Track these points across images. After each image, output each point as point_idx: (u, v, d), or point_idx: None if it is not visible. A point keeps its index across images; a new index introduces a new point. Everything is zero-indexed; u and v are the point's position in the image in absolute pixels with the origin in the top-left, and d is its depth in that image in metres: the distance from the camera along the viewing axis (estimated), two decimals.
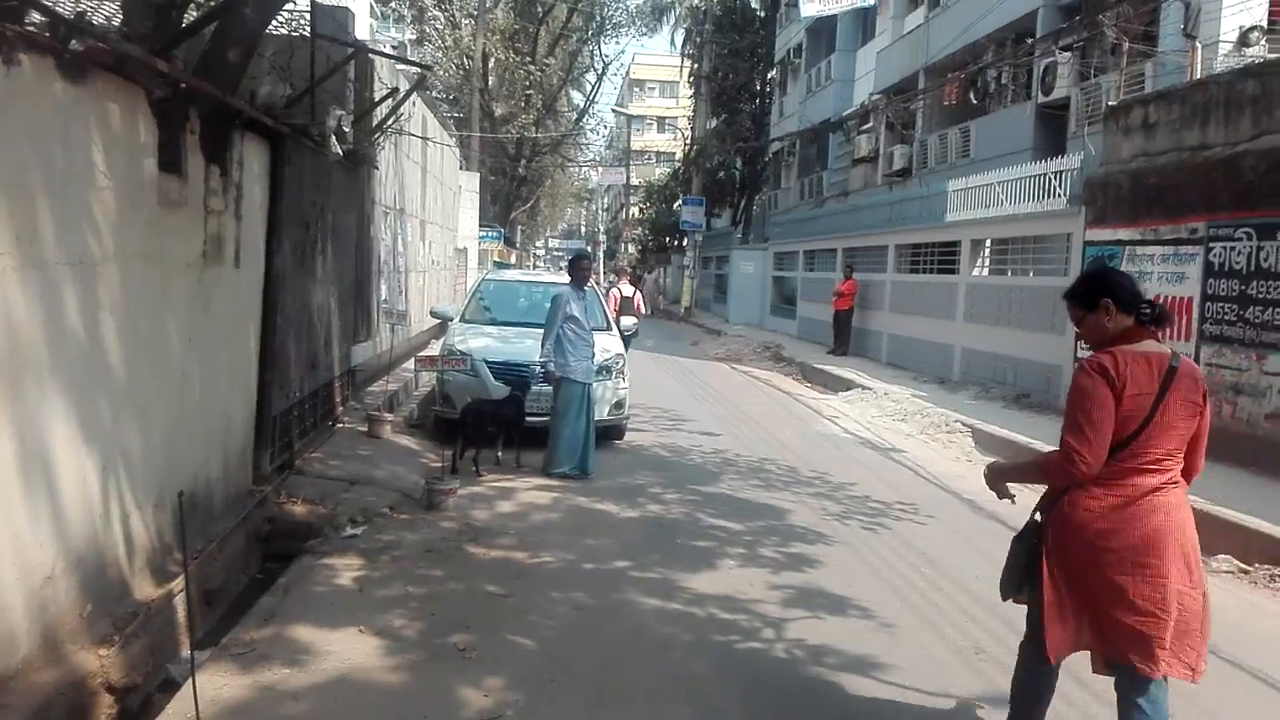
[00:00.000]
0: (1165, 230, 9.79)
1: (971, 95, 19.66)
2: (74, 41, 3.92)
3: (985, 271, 14.89)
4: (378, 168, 10.80)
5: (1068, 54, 16.04)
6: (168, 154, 4.84)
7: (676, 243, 40.45)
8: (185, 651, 4.42)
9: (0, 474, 3.38)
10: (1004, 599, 3.57)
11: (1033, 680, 3.43)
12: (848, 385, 14.59)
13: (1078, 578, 3.19)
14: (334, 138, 7.95)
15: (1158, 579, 3.08)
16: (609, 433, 9.44)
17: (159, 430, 4.79)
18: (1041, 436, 9.57)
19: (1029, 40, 17.48)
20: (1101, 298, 3.22)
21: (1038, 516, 3.39)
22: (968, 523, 7.24)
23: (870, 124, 24.27)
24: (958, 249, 15.18)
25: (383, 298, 11.64)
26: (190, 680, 3.44)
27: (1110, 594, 3.12)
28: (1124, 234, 10.48)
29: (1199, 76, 11.48)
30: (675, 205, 40.51)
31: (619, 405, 9.51)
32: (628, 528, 6.65)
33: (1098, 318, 3.23)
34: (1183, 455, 3.19)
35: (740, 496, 7.70)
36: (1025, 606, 3.46)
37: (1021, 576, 3.42)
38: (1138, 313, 3.20)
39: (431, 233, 16.40)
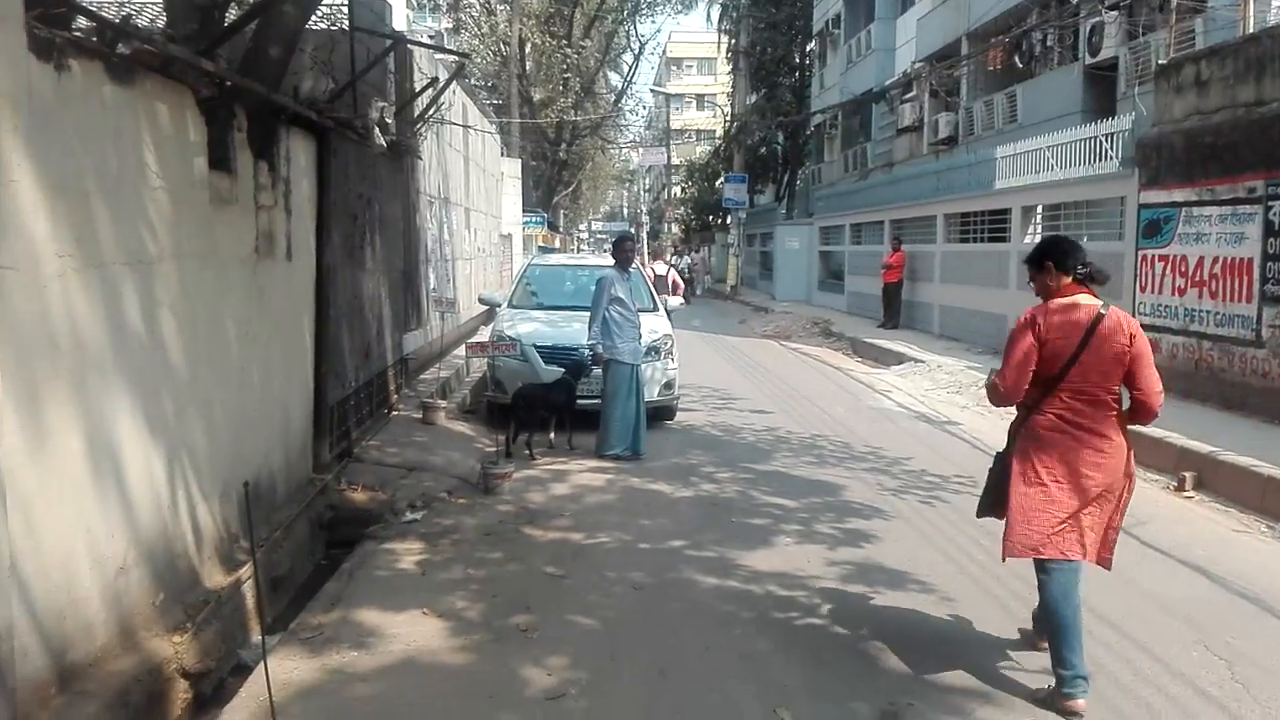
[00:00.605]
0: (1222, 190, 9.50)
1: (1016, 59, 19.20)
2: (121, 45, 3.99)
3: (1037, 238, 14.59)
4: (421, 157, 10.88)
5: (1115, 13, 15.59)
6: (217, 152, 4.91)
7: (720, 221, 40.21)
8: (255, 637, 4.54)
9: (71, 469, 3.48)
10: (977, 516, 4.47)
11: (1050, 588, 3.92)
12: (899, 359, 14.44)
13: (1029, 486, 3.90)
14: (377, 129, 8.02)
15: (1090, 487, 3.83)
16: (660, 413, 9.45)
17: (221, 423, 4.89)
18: None
19: (1074, 0, 17.04)
20: (1044, 260, 3.95)
21: (1001, 449, 4.18)
22: None
23: (913, 93, 23.85)
24: (1008, 216, 14.91)
25: (431, 286, 11.75)
26: (262, 664, 3.53)
27: (1053, 496, 3.85)
28: (1179, 195, 10.19)
29: (1252, 31, 11.08)
30: (717, 183, 40.23)
31: (669, 386, 9.51)
32: (682, 507, 6.67)
33: (1043, 278, 3.96)
34: (1116, 387, 3.84)
35: (794, 474, 7.67)
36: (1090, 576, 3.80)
37: (993, 499, 4.20)
38: (1074, 273, 3.88)
39: (476, 220, 16.51)
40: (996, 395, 4.00)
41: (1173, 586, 5.24)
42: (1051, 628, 3.88)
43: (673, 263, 30.18)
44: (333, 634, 4.29)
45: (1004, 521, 4.01)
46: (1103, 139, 12.53)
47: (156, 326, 4.19)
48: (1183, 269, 10.12)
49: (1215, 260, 9.58)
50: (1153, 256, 10.66)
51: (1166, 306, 10.35)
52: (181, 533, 4.38)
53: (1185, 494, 7.20)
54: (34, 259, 3.25)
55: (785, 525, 6.22)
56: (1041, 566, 3.93)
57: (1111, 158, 12.27)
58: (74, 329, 3.50)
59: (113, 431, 3.78)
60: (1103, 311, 3.82)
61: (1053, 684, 3.82)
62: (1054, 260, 3.92)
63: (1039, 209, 14.53)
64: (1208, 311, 9.66)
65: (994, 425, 9.83)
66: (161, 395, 4.22)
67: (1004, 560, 4.07)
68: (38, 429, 3.25)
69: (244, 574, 4.72)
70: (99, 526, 3.66)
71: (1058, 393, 3.85)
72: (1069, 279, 3.90)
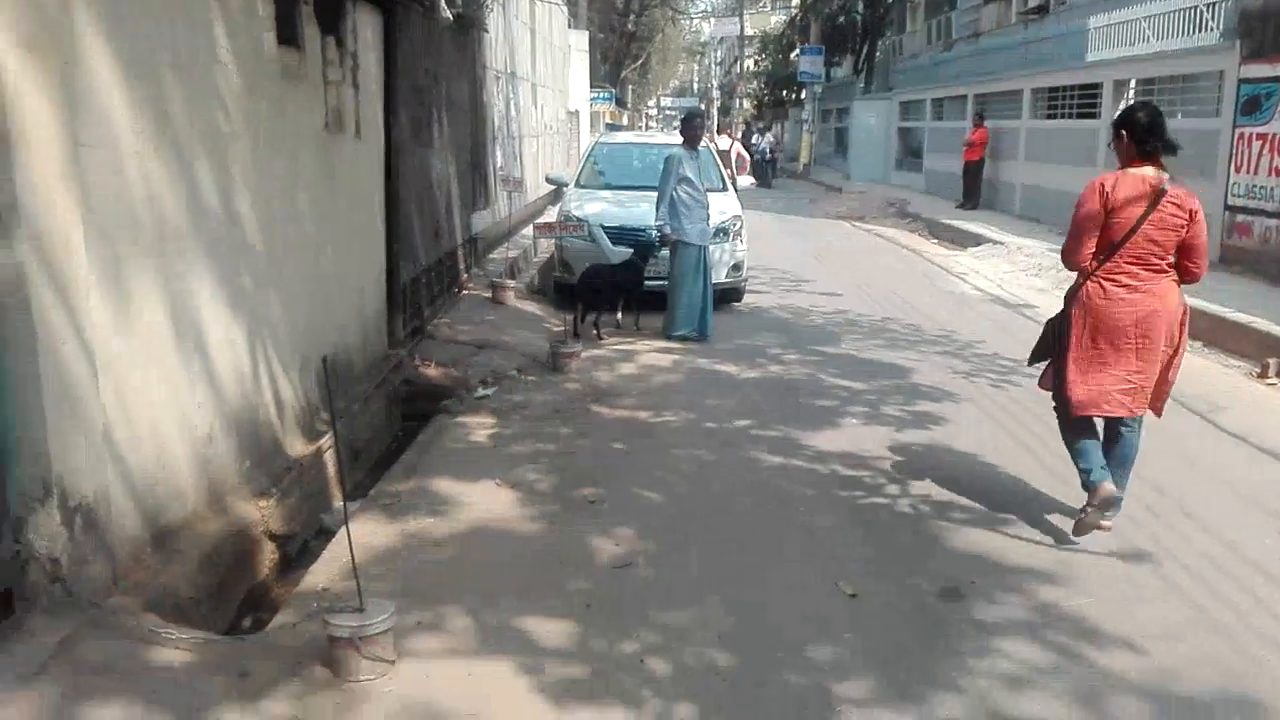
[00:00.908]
0: None
1: None
2: None
3: None
4: (487, 31, 10.68)
5: None
6: (285, 27, 4.88)
7: (794, 96, 38.93)
8: (337, 502, 4.76)
9: (156, 342, 3.62)
10: (1029, 364, 4.70)
11: (1075, 434, 4.30)
12: (977, 240, 14.05)
13: (1081, 345, 4.16)
14: (443, 2, 7.86)
15: (1143, 346, 4.09)
16: (728, 295, 9.40)
17: (298, 298, 5.02)
18: (1185, 289, 9.03)
19: None
20: (1120, 129, 4.13)
21: (1063, 306, 4.35)
22: None
23: None
24: (1099, 91, 14.12)
25: (499, 165, 11.70)
26: (344, 528, 3.71)
27: (1104, 357, 4.12)
28: None
29: None
30: (792, 55, 38.77)
31: (737, 267, 9.43)
32: (748, 388, 6.69)
33: (1119, 144, 4.15)
34: (1171, 257, 4.08)
35: (863, 356, 7.61)
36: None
37: (1046, 350, 4.46)
38: (1145, 145, 4.05)
39: (543, 96, 16.26)
40: (1063, 258, 4.33)
41: (1250, 472, 5.14)
42: (1074, 457, 4.30)
43: (753, 141, 28.79)
44: (409, 501, 4.47)
45: (1053, 371, 4.37)
46: (1204, 9, 11.72)
47: (232, 203, 4.26)
48: None
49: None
50: (1250, 135, 10.07)
51: (1261, 188, 9.83)
52: (264, 403, 4.56)
53: (1269, 381, 6.97)
54: (112, 136, 3.31)
55: (852, 407, 6.22)
56: (1074, 425, 4.28)
57: (1213, 28, 11.48)
58: (153, 206, 3.58)
59: (194, 306, 3.91)
60: (1166, 187, 4.01)
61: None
62: (1129, 130, 4.09)
63: (1132, 83, 13.73)
64: None
65: None
66: (240, 270, 4.33)
67: (1072, 415, 4.25)
68: (123, 303, 3.37)
69: (324, 443, 4.92)
70: (186, 397, 3.82)
71: (1117, 257, 4.08)
72: (1140, 149, 4.08)
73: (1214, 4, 11.52)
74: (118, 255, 3.33)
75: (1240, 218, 10.20)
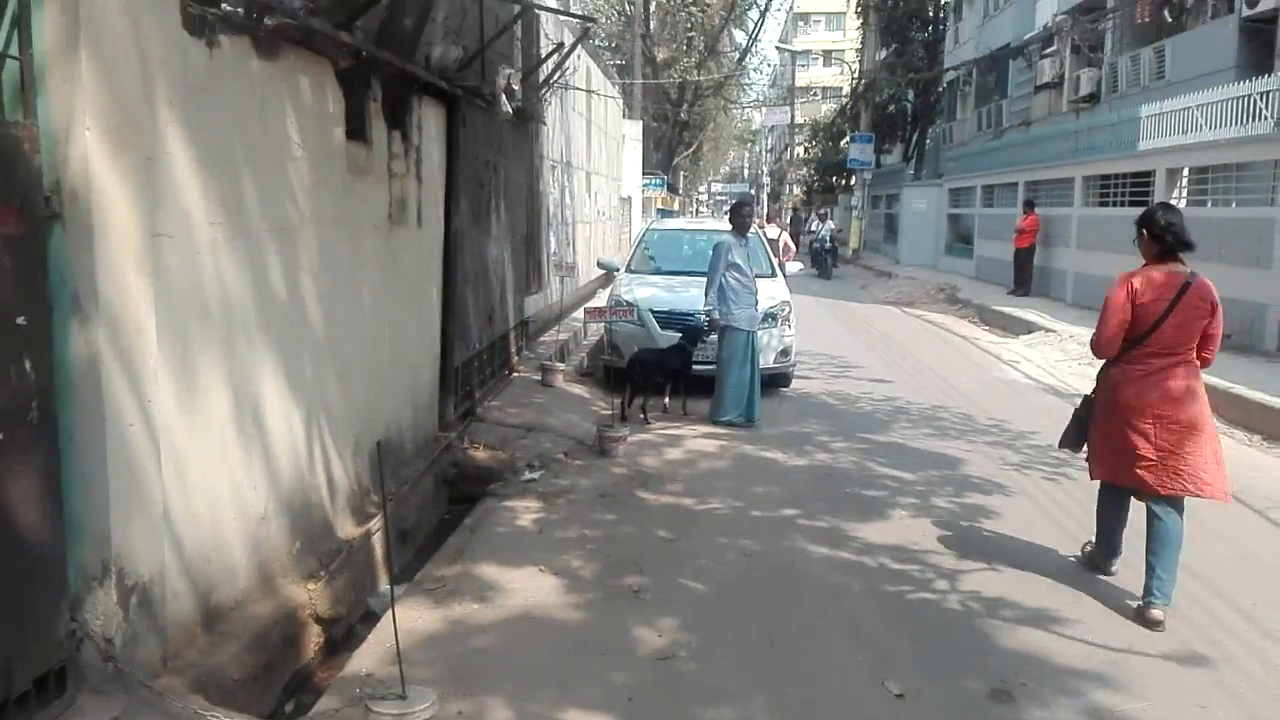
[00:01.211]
0: None
1: (1166, 12, 18.05)
2: (266, 19, 4.19)
3: (1183, 203, 13.77)
4: (545, 123, 11.03)
5: None
6: (354, 122, 5.12)
7: (844, 182, 39.34)
8: (384, 586, 4.80)
9: (218, 424, 3.74)
10: (1059, 447, 5.08)
11: (1106, 505, 4.72)
12: (1029, 328, 13.94)
13: (1116, 425, 4.45)
14: (504, 96, 8.16)
15: (1165, 431, 4.32)
16: (775, 380, 9.42)
17: (355, 381, 5.15)
18: (1241, 381, 8.88)
19: None
20: (1141, 228, 4.46)
21: (1089, 392, 4.75)
22: None
23: (1054, 47, 22.71)
24: (1151, 179, 14.09)
25: (552, 250, 11.95)
26: (390, 612, 3.74)
27: (1130, 438, 4.38)
28: None
29: None
30: (842, 143, 39.28)
31: (785, 353, 9.46)
32: (795, 476, 6.66)
33: (1142, 242, 4.48)
34: (1194, 346, 4.36)
35: (912, 445, 7.55)
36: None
37: (1076, 435, 4.80)
38: (1163, 242, 4.35)
39: (596, 183, 16.65)
40: (1095, 348, 4.56)
41: None
42: (1148, 543, 4.42)
43: (812, 228, 27.34)
44: (455, 586, 4.50)
45: (1088, 455, 4.73)
46: (1257, 97, 11.70)
47: (297, 290, 4.43)
48: None
49: None
50: None
51: None
52: (317, 485, 4.66)
53: None
54: (188, 227, 3.49)
55: (901, 498, 6.15)
56: (1106, 494, 4.69)
57: (1266, 118, 11.45)
58: (223, 293, 3.75)
59: (256, 390, 4.04)
60: (1190, 280, 4.32)
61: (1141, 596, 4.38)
62: (1147, 229, 4.43)
63: (1185, 171, 13.70)
64: None
65: None
66: (301, 356, 4.47)
67: (1091, 479, 4.76)
68: (189, 387, 3.50)
69: (374, 526, 4.99)
70: (243, 478, 3.93)
71: (1144, 346, 4.38)
72: (1159, 247, 4.40)
73: (1267, 93, 11.51)
74: (186, 340, 3.48)
75: None
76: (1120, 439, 4.43)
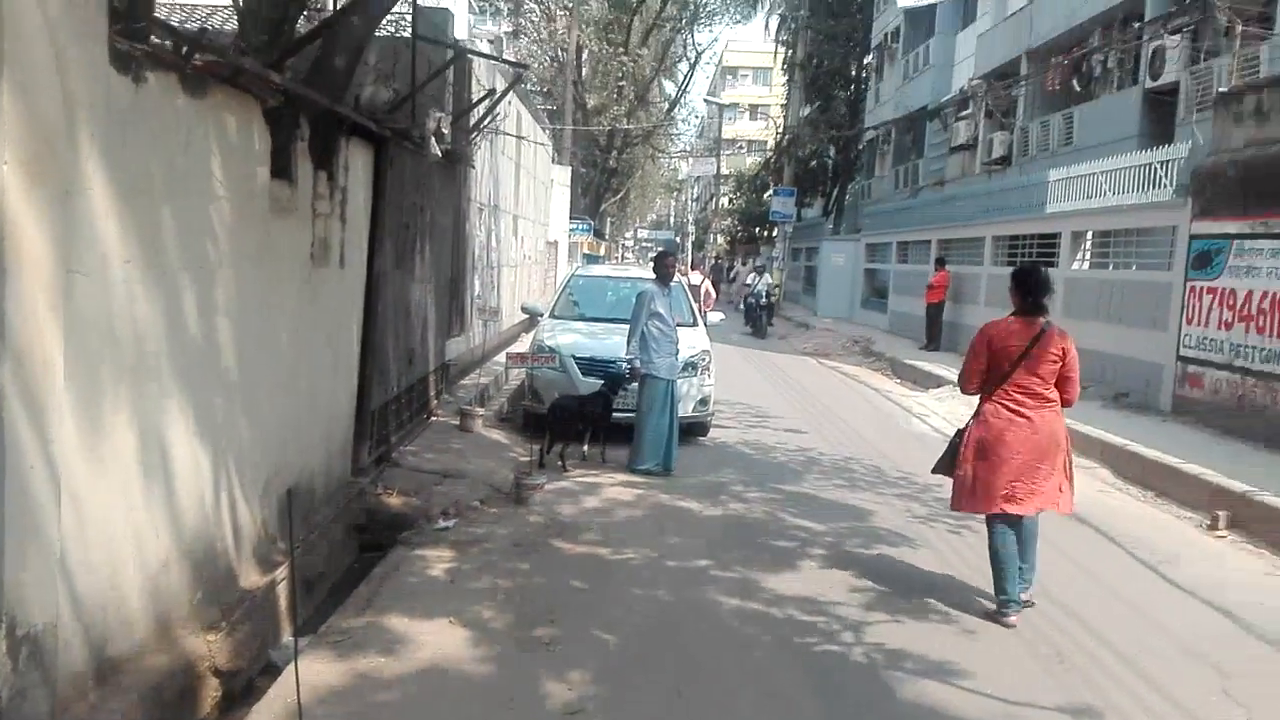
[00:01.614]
0: (1276, 224, 9.37)
1: (1075, 81, 19.01)
2: (196, 57, 4.16)
3: (1086, 265, 14.44)
4: (474, 166, 11.08)
5: (1177, 37, 15.39)
6: (279, 161, 5.09)
7: (766, 233, 40.14)
8: (287, 637, 4.70)
9: (123, 467, 3.65)
10: (933, 473, 5.68)
11: (997, 536, 5.17)
12: (938, 381, 14.36)
13: (979, 456, 5.13)
14: (433, 139, 8.20)
15: (1027, 458, 5.04)
16: (694, 429, 9.53)
17: (268, 424, 5.07)
18: (1138, 438, 9.29)
19: (1137, 23, 16.83)
20: (1013, 282, 5.21)
21: (963, 425, 5.39)
22: (1056, 527, 7.06)
23: (969, 110, 23.69)
24: (1058, 241, 14.76)
25: (476, 293, 11.94)
26: (292, 665, 3.67)
27: (998, 467, 5.06)
28: (1232, 227, 10.06)
29: None
30: (765, 195, 40.15)
31: (704, 402, 9.58)
32: (710, 526, 6.74)
33: (1012, 294, 5.19)
34: (1052, 386, 5.06)
35: (824, 496, 7.70)
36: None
37: (949, 463, 5.38)
38: (1027, 298, 5.11)
39: (524, 227, 16.71)
40: (960, 383, 5.39)
41: (1198, 628, 5.20)
42: (993, 566, 5.16)
43: (748, 281, 24.43)
44: (361, 639, 4.43)
45: (953, 483, 5.33)
46: (1158, 166, 12.38)
47: (212, 330, 4.36)
48: (1231, 302, 9.99)
49: (1265, 295, 9.44)
50: (1201, 288, 10.52)
51: (1212, 340, 10.21)
52: (222, 531, 4.55)
53: (1218, 533, 7.11)
54: (104, 263, 3.42)
55: (811, 549, 6.27)
56: (989, 521, 5.19)
57: (1165, 186, 12.11)
58: (135, 331, 3.68)
59: (165, 431, 3.96)
60: (1045, 329, 5.05)
61: (993, 608, 5.13)
62: (1017, 284, 5.18)
63: (1089, 235, 14.38)
64: (1254, 347, 9.52)
65: None
66: (213, 396, 4.40)
67: (951, 509, 5.53)
68: (95, 427, 3.42)
69: (279, 575, 4.88)
70: (145, 523, 3.83)
71: (1005, 387, 5.08)
72: (1024, 301, 5.13)
73: (1167, 162, 12.16)
74: (95, 378, 3.40)
75: (1192, 369, 10.56)
76: (989, 465, 5.09)
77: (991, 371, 5.13)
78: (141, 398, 3.75)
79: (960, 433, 5.38)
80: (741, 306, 24.88)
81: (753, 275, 24.72)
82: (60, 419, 3.18)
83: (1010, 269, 5.78)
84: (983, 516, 5.32)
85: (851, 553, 6.21)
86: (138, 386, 3.72)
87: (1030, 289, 5.12)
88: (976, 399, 5.31)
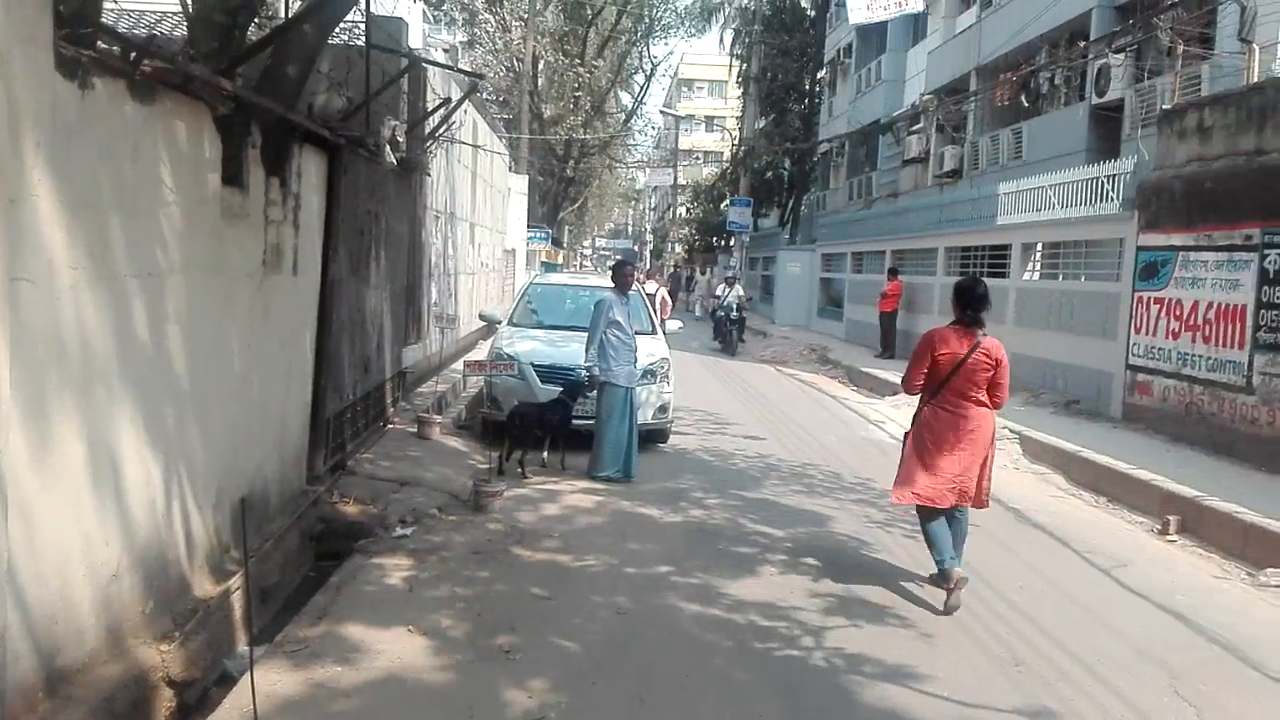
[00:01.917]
0: (1219, 236, 9.63)
1: (1024, 97, 19.42)
2: (145, 63, 4.10)
3: (1036, 275, 14.72)
4: (430, 174, 11.01)
5: (1121, 55, 15.79)
6: (230, 168, 5.02)
7: (724, 243, 40.39)
8: (242, 647, 4.61)
9: (72, 476, 3.57)
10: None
11: (930, 520, 5.62)
12: (895, 389, 14.51)
13: (920, 453, 5.60)
14: (388, 147, 8.14)
15: (963, 455, 5.51)
16: (653, 436, 9.54)
17: (220, 433, 4.98)
18: (1089, 444, 9.48)
19: (1083, 42, 17.23)
20: (954, 294, 5.64)
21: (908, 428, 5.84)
22: (1011, 532, 7.21)
23: (920, 125, 24.07)
24: (1008, 252, 15.04)
25: (433, 301, 11.85)
26: (247, 675, 3.60)
27: (936, 461, 5.52)
28: (1177, 239, 10.33)
29: (1256, 80, 11.24)
30: (722, 205, 40.40)
31: (663, 409, 9.60)
32: (670, 532, 6.74)
33: (954, 305, 5.61)
34: (985, 392, 5.51)
35: (783, 502, 7.75)
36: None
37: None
38: (966, 310, 5.54)
39: (481, 235, 16.64)
40: (904, 385, 5.81)
41: (1150, 631, 5.31)
42: (929, 544, 5.59)
43: (718, 293, 22.17)
44: (318, 648, 4.36)
45: (896, 476, 5.76)
46: (1105, 180, 12.67)
47: (162, 337, 4.28)
48: (1177, 312, 10.24)
49: (1209, 305, 9.69)
50: (1148, 299, 10.77)
51: (1159, 349, 10.46)
52: (174, 541, 4.46)
53: (1169, 538, 7.27)
54: (49, 271, 3.35)
55: (771, 554, 6.30)
56: (925, 512, 5.62)
57: (1112, 199, 12.40)
58: (83, 340, 3.60)
59: (114, 440, 3.88)
60: (980, 340, 5.49)
61: (934, 574, 5.58)
62: (957, 297, 5.62)
63: (1039, 246, 14.66)
64: (1200, 356, 9.76)
65: None
66: (163, 405, 4.31)
67: (891, 503, 6.08)
68: (43, 436, 3.34)
69: (233, 584, 4.80)
70: (95, 532, 3.74)
71: (943, 390, 5.54)
72: (962, 313, 5.56)
73: (1114, 176, 12.45)
74: (42, 387, 3.32)
75: (1140, 377, 10.80)
76: (927, 462, 5.55)
77: (931, 376, 5.56)
78: (90, 406, 3.67)
79: (907, 434, 5.85)
80: (702, 315, 24.36)
81: (722, 286, 22.21)
82: (7, 428, 3.10)
83: (965, 276, 5.95)
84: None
85: (810, 559, 6.25)
86: (87, 395, 3.64)
87: (969, 302, 5.55)
88: (918, 400, 5.78)
